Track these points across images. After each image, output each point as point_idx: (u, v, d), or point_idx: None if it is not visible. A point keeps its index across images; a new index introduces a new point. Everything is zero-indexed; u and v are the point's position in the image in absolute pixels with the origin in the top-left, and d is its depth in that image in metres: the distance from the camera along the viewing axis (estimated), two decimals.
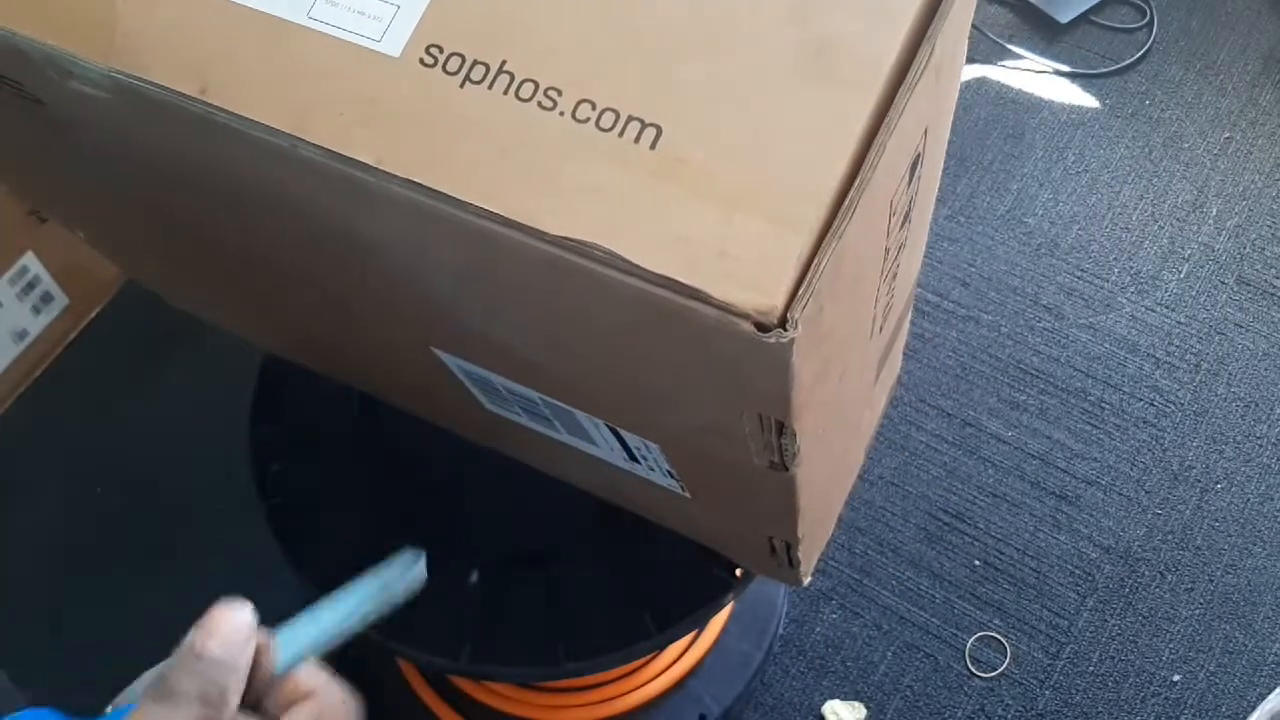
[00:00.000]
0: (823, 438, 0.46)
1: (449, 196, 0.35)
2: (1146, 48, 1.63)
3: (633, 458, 0.53)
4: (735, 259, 0.33)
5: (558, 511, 0.72)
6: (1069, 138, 1.56)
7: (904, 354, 0.69)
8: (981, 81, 1.62)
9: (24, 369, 1.33)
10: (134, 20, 0.39)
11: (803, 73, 0.34)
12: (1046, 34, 1.66)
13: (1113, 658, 1.18)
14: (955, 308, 1.41)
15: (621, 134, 0.35)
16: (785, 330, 0.32)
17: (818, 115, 0.34)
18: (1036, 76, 1.62)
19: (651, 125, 0.35)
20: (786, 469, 0.42)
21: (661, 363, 0.39)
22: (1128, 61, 1.62)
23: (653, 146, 0.34)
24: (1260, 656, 1.17)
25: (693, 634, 1.01)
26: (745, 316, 0.32)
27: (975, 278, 1.43)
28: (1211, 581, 1.22)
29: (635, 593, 0.69)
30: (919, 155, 0.41)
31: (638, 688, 0.97)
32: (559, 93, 0.35)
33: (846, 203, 0.33)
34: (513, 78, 0.36)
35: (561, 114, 0.35)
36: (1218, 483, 1.28)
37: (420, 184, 0.35)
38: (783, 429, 0.39)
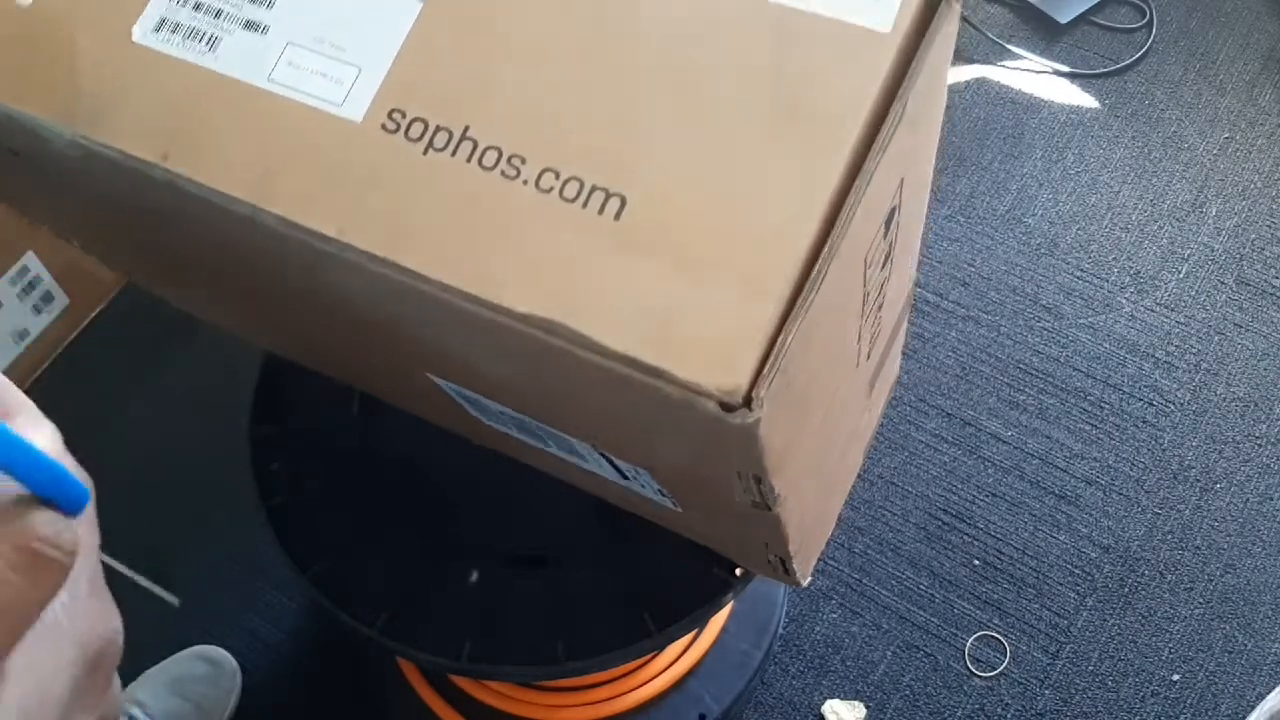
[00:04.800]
0: (807, 472, 0.45)
1: (412, 271, 0.35)
2: (1146, 48, 1.63)
3: (623, 475, 0.53)
4: (700, 335, 0.32)
5: (558, 511, 0.72)
6: (1068, 138, 1.56)
7: (904, 354, 0.69)
8: (981, 82, 1.62)
9: (24, 369, 1.33)
10: (96, 84, 0.39)
11: (770, 137, 0.34)
12: (1046, 34, 1.66)
13: (1112, 657, 1.18)
14: (955, 307, 1.41)
15: (585, 204, 0.34)
16: (750, 410, 0.31)
17: (786, 180, 0.33)
18: (1036, 77, 1.62)
19: (616, 195, 0.34)
20: (769, 509, 0.42)
21: (639, 419, 0.38)
22: (1127, 62, 1.62)
23: (617, 217, 0.34)
24: (1260, 656, 1.17)
25: (693, 633, 1.01)
26: (710, 396, 0.31)
27: (975, 277, 1.43)
28: (1211, 581, 1.22)
29: (635, 592, 0.69)
30: (895, 207, 0.40)
31: (638, 687, 0.96)
32: (522, 160, 0.35)
33: (814, 273, 0.32)
34: (475, 144, 0.35)
35: (525, 183, 0.35)
36: (1217, 482, 1.28)
37: (383, 258, 0.35)
38: (761, 480, 0.39)
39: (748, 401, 0.31)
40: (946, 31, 0.35)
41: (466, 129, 0.36)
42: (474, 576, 0.71)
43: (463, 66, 0.37)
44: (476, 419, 0.59)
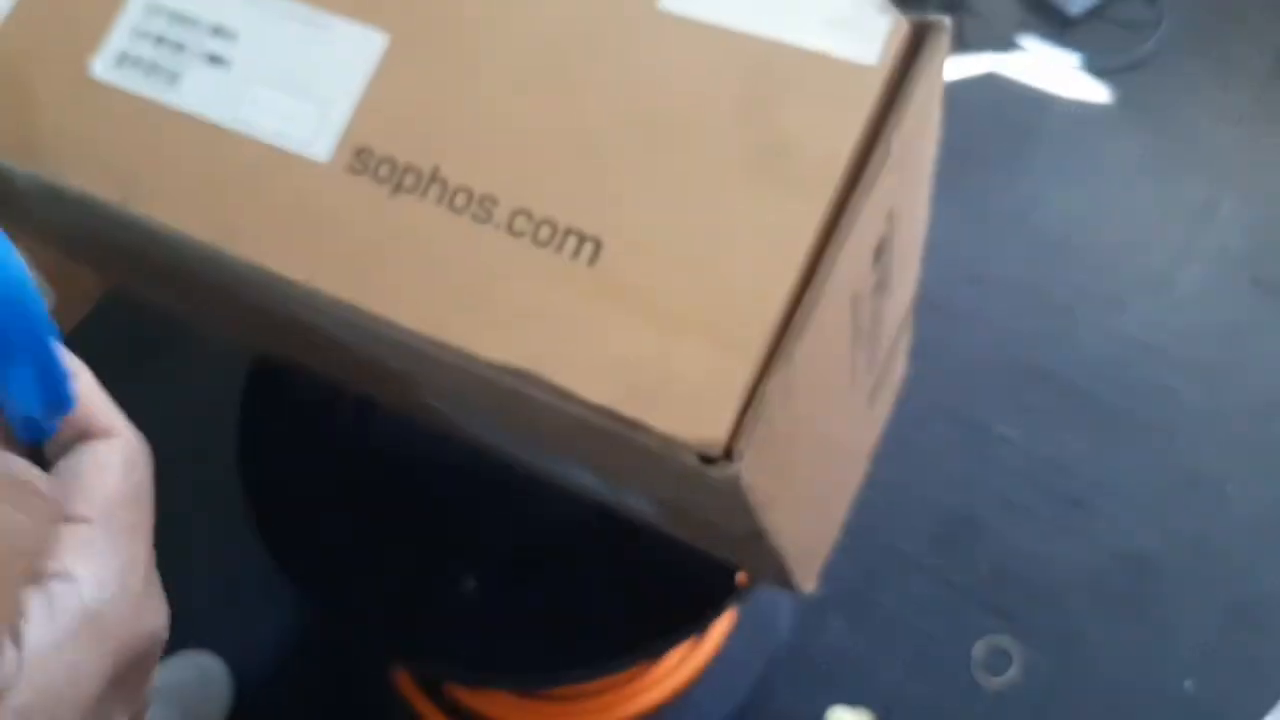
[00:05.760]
0: (802, 497, 0.44)
1: (382, 318, 0.34)
2: (1158, 42, 1.61)
3: (616, 490, 0.52)
4: (678, 387, 0.31)
5: (557, 517, 0.71)
6: (1079, 133, 1.54)
7: (910, 354, 0.68)
8: (990, 76, 1.60)
9: None
10: (56, 122, 0.38)
11: (750, 178, 0.33)
12: (1056, 27, 1.65)
13: (1123, 664, 1.16)
14: (962, 306, 1.39)
15: (560, 249, 0.33)
16: (731, 461, 0.30)
17: (765, 225, 0.32)
18: (1046, 70, 1.61)
19: (591, 239, 0.33)
20: (762, 539, 0.41)
21: (622, 459, 0.37)
22: (1138, 56, 1.60)
23: (591, 263, 0.33)
24: (1274, 662, 1.16)
25: (695, 640, 1.00)
26: (689, 448, 0.31)
27: (983, 276, 1.42)
28: (1224, 586, 1.20)
29: (636, 598, 0.69)
30: (885, 238, 0.39)
31: (639, 694, 0.95)
32: (494, 202, 0.34)
33: (794, 324, 0.31)
34: (445, 186, 0.35)
35: (497, 226, 0.34)
36: (1230, 486, 1.26)
37: (352, 304, 0.34)
38: (750, 516, 0.38)
39: (728, 453, 0.31)
40: (936, 62, 0.33)
41: (436, 169, 0.35)
42: (472, 582, 0.70)
43: (431, 103, 0.36)
44: (475, 433, 0.58)
